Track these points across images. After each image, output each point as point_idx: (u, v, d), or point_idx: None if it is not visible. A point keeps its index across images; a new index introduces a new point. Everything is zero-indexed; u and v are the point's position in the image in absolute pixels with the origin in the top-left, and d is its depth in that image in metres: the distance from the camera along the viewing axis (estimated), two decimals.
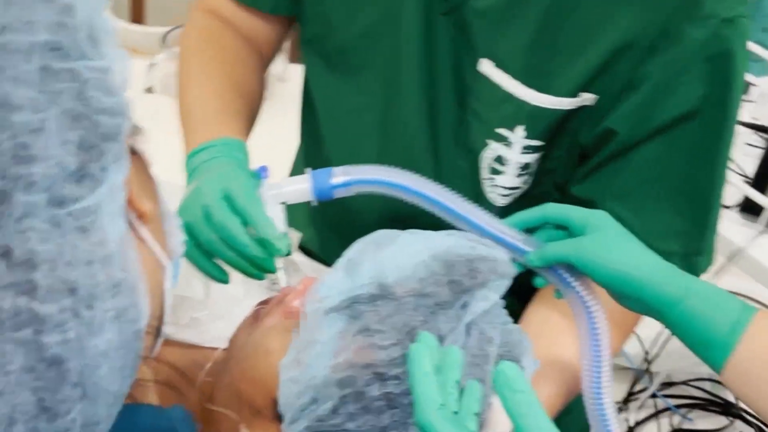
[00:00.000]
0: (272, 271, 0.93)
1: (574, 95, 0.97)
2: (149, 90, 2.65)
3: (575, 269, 0.87)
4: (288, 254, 0.92)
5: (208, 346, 0.98)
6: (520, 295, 1.05)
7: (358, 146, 1.17)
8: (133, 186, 0.53)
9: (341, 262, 0.82)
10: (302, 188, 0.92)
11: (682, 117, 0.95)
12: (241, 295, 1.05)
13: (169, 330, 0.97)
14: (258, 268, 0.93)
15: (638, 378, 1.86)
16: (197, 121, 1.12)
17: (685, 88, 0.94)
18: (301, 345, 0.78)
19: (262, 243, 0.91)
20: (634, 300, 0.85)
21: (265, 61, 1.26)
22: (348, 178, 0.90)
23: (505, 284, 0.82)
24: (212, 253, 0.94)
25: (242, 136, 1.10)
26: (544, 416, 0.63)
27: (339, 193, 0.91)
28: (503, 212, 1.03)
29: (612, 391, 0.89)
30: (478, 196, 1.04)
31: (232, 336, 0.92)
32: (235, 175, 0.97)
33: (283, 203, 0.94)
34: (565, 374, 0.98)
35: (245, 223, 0.92)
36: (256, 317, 0.90)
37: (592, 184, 1.02)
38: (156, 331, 0.58)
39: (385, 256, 0.80)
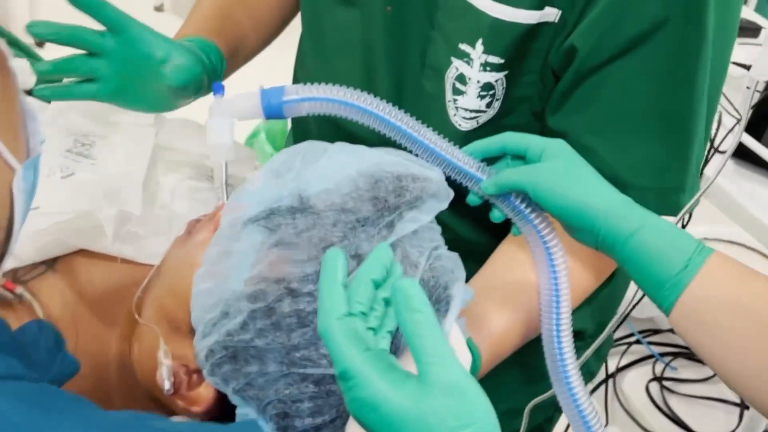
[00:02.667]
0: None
1: (535, 7, 0.90)
2: (159, 8, 2.57)
3: (533, 202, 0.83)
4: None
5: (144, 263, 0.96)
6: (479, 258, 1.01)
7: (329, 64, 1.12)
8: None
9: (263, 171, 0.78)
10: (252, 104, 0.88)
11: (647, 32, 0.88)
12: (185, 212, 1.02)
13: (104, 243, 0.95)
14: None
15: (620, 323, 1.82)
16: (188, 19, 1.11)
17: None
18: (216, 256, 0.75)
19: None
20: (587, 232, 0.81)
21: None
22: (298, 95, 0.86)
23: (438, 207, 0.77)
24: None
25: (223, 43, 1.07)
26: (443, 339, 0.59)
27: (290, 111, 0.88)
28: (469, 138, 0.98)
29: (570, 330, 0.85)
30: (443, 120, 1.00)
31: (166, 252, 0.89)
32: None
33: (235, 119, 0.91)
34: (530, 303, 0.94)
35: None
36: (189, 233, 0.88)
37: (566, 115, 0.96)
38: (4, 234, 0.53)
39: (310, 168, 0.76)
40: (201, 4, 1.14)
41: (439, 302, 0.76)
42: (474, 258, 1.04)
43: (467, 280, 0.98)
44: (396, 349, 0.73)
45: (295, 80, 1.27)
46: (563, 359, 0.85)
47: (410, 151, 0.85)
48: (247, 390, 0.74)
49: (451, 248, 1.09)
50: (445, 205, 0.78)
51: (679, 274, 0.76)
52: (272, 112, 0.87)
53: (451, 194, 0.79)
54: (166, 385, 0.78)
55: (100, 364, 0.90)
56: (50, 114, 1.09)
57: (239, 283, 0.72)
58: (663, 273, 0.77)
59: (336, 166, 0.76)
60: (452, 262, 0.78)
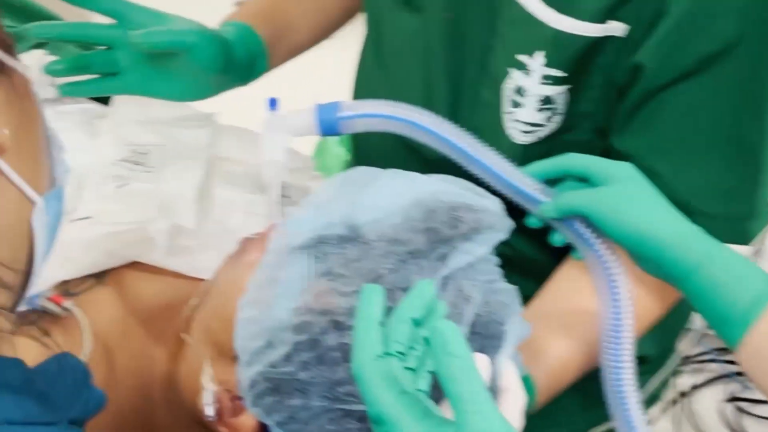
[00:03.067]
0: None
1: (600, 20, 0.86)
2: (240, 4, 2.54)
3: (596, 225, 0.78)
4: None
5: (194, 277, 0.94)
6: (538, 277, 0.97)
7: (389, 69, 1.09)
8: None
9: (314, 197, 0.75)
10: (306, 120, 0.86)
11: (718, 53, 0.83)
12: (239, 226, 1.00)
13: (156, 256, 0.93)
14: None
15: (696, 340, 1.75)
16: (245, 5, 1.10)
17: (720, 18, 0.82)
18: (262, 283, 0.72)
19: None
20: (652, 263, 0.77)
21: None
22: (354, 111, 0.84)
23: (495, 238, 0.73)
24: None
25: (264, 28, 1.05)
26: (482, 387, 0.55)
27: (345, 128, 0.85)
28: (526, 151, 0.95)
29: (633, 364, 0.82)
30: (500, 132, 0.95)
31: (217, 270, 0.87)
32: None
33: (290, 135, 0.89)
34: (590, 333, 0.90)
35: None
36: (239, 252, 0.85)
37: (630, 136, 0.92)
38: (23, 276, 0.50)
39: (362, 196, 0.72)
40: None
41: (494, 338, 0.72)
42: (534, 276, 1.00)
43: (526, 299, 0.94)
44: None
45: (356, 84, 1.24)
46: (624, 395, 0.81)
47: (467, 172, 0.81)
48: (290, 423, 0.71)
49: (510, 265, 1.05)
50: (503, 237, 0.74)
51: (746, 310, 0.73)
52: (327, 128, 0.86)
53: (508, 225, 0.75)
54: (209, 411, 0.76)
55: (146, 383, 0.88)
56: (107, 122, 1.08)
57: (284, 313, 0.69)
58: (729, 308, 0.74)
59: (388, 195, 0.72)
60: (509, 296, 0.74)
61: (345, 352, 0.68)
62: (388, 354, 0.58)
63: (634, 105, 0.89)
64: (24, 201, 0.49)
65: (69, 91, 0.96)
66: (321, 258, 0.70)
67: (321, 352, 0.68)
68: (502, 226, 0.74)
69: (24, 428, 0.46)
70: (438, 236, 0.70)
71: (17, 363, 0.48)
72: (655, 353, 1.13)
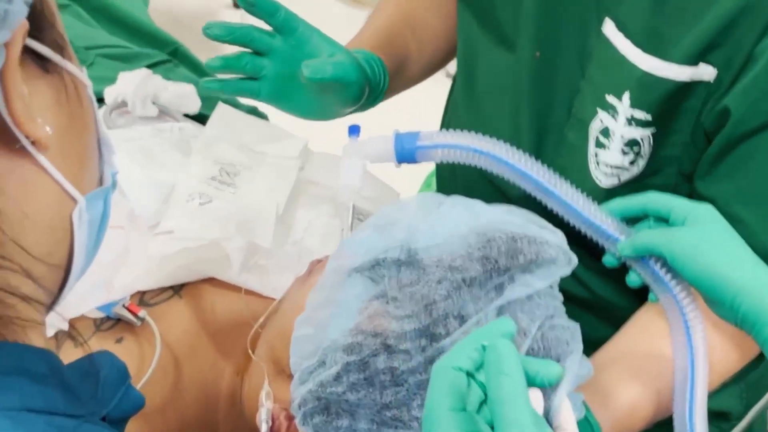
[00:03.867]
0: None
1: (690, 63, 0.84)
2: None
3: (673, 267, 0.76)
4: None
5: (267, 296, 0.95)
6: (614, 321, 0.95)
7: (479, 107, 1.09)
8: (22, 106, 0.44)
9: (376, 219, 0.75)
10: (385, 147, 0.86)
11: None
12: (316, 248, 1.01)
13: (231, 274, 0.95)
14: None
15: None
16: (357, 34, 1.10)
17: None
18: (319, 303, 0.72)
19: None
20: (725, 308, 0.73)
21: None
22: (432, 142, 0.84)
23: (556, 273, 0.71)
24: None
25: (387, 60, 1.04)
26: (528, 412, 0.53)
27: (422, 157, 0.85)
28: (609, 195, 0.92)
29: (705, 414, 0.78)
30: (583, 174, 0.94)
31: (286, 291, 0.88)
32: None
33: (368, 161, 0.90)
34: (662, 379, 0.86)
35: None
36: (309, 273, 0.86)
37: (715, 181, 0.89)
38: (59, 271, 0.50)
39: (422, 221, 0.72)
40: (371, 23, 1.13)
41: None
42: (613, 321, 0.97)
43: (600, 343, 0.91)
44: None
45: (444, 121, 1.24)
46: None
47: (544, 206, 0.80)
48: None
49: (589, 309, 1.03)
50: (565, 272, 0.72)
51: None
52: (405, 156, 0.86)
53: (574, 260, 0.73)
54: (263, 428, 0.76)
55: (212, 395, 0.90)
56: (201, 142, 1.11)
57: (338, 333, 0.70)
58: None
59: (449, 222, 0.72)
60: (569, 333, 0.72)
61: (394, 376, 0.67)
62: (470, 375, 0.56)
63: (721, 150, 0.87)
64: (65, 198, 0.49)
65: (211, 86, 0.96)
66: (377, 280, 0.70)
67: (370, 374, 0.68)
68: (564, 261, 0.72)
69: (44, 416, 0.47)
70: (495, 266, 0.69)
71: (45, 353, 0.49)
72: (739, 410, 1.07)
